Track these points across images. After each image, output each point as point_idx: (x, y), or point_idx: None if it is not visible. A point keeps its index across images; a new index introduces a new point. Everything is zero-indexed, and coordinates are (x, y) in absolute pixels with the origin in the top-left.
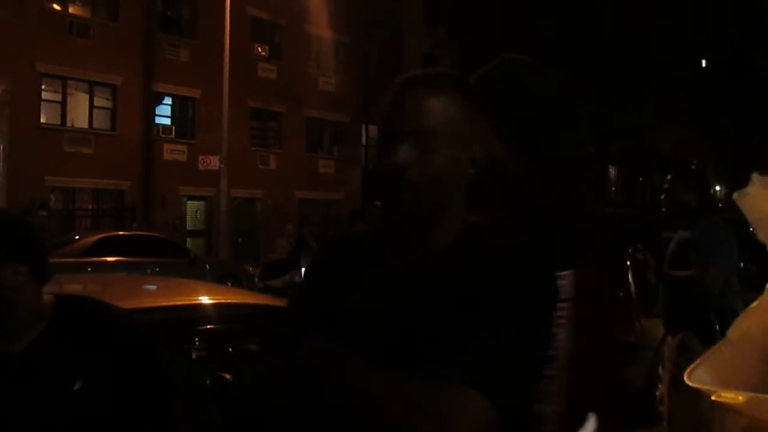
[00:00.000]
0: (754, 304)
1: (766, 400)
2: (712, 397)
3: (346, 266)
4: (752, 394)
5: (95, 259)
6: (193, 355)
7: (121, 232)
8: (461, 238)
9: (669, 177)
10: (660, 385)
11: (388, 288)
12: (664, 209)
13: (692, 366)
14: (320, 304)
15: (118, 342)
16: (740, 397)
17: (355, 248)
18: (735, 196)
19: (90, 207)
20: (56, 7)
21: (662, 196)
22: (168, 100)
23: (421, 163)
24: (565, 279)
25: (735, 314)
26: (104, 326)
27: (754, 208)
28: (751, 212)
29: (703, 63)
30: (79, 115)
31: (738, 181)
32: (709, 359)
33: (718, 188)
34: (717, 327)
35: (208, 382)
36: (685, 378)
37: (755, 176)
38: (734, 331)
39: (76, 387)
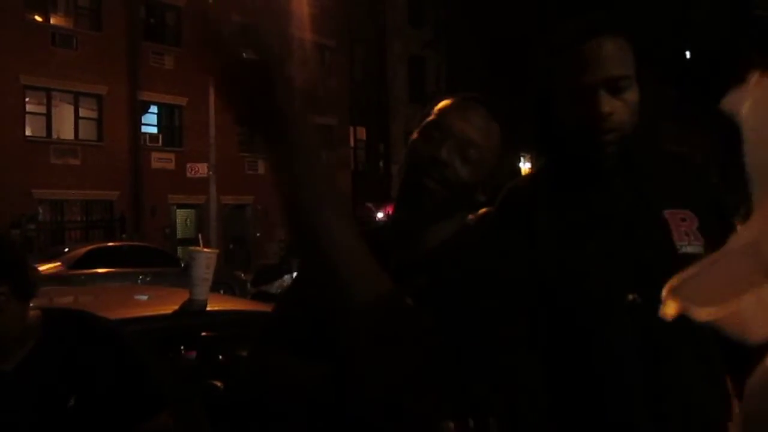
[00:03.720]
0: (755, 215)
1: (731, 314)
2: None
3: None
4: (714, 308)
5: (85, 270)
6: (185, 364)
7: (110, 243)
8: (454, 235)
9: None
10: None
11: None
12: None
13: (684, 276)
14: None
15: (108, 355)
16: (703, 314)
17: None
18: (727, 99)
19: (79, 218)
20: (38, 18)
21: None
22: (154, 109)
23: (459, 166)
24: None
25: None
26: (94, 340)
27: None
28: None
29: (688, 55)
30: (64, 127)
31: (726, 173)
32: (705, 269)
33: None
34: None
35: (199, 390)
36: (667, 290)
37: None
38: (737, 240)
39: (71, 404)
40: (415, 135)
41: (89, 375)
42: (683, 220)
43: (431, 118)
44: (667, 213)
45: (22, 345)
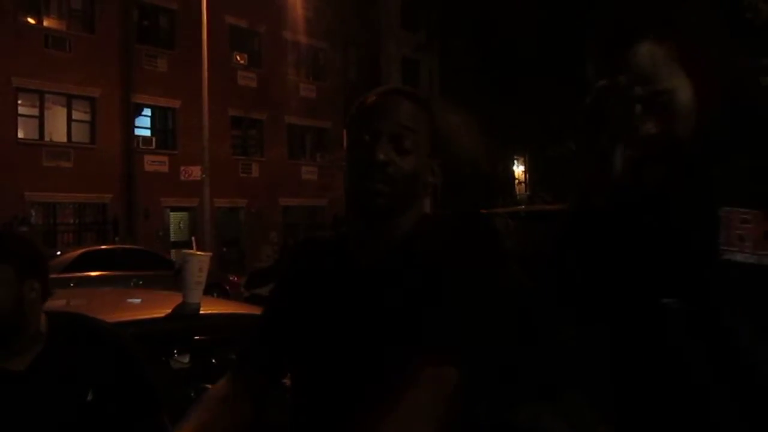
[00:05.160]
0: None
1: None
2: None
3: (315, 270)
4: None
5: (78, 274)
6: (178, 367)
7: (103, 246)
8: (416, 227)
9: None
10: None
11: (357, 288)
12: None
13: None
14: (289, 311)
15: (113, 355)
16: None
17: (323, 252)
18: None
19: (72, 221)
20: (31, 20)
21: None
22: (147, 111)
23: (399, 161)
24: None
25: None
26: (99, 340)
27: None
28: None
29: None
30: (57, 129)
31: None
32: None
33: None
34: None
35: (192, 394)
36: None
37: None
38: None
39: (89, 398)
40: (347, 141)
41: (102, 372)
42: (744, 221)
43: (358, 121)
44: (724, 211)
45: (33, 346)
